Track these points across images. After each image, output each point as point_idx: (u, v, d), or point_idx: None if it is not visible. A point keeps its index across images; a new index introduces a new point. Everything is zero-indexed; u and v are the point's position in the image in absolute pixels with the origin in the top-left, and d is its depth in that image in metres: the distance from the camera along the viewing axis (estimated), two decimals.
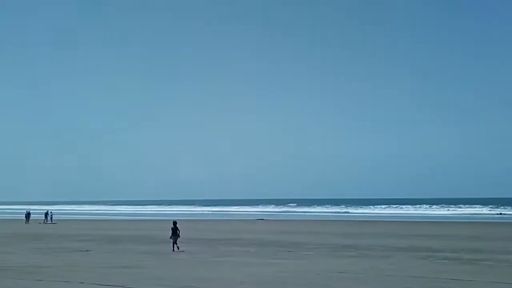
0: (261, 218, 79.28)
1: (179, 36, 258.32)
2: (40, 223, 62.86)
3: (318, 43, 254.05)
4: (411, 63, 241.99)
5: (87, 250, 28.16)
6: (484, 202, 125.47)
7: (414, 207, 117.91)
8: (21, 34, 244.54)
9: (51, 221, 65.06)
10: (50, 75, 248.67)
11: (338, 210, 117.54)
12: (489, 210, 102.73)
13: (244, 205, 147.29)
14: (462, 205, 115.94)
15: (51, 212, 68.52)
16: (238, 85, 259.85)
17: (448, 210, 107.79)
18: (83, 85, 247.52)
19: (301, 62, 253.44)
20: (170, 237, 27.50)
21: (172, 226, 27.64)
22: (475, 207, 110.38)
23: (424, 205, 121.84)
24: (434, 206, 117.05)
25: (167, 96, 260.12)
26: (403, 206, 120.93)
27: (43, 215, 67.05)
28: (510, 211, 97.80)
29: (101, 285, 15.89)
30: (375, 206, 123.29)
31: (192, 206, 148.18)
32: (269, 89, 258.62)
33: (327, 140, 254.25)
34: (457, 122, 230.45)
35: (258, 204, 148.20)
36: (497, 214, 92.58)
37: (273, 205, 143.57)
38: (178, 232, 27.48)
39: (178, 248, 26.99)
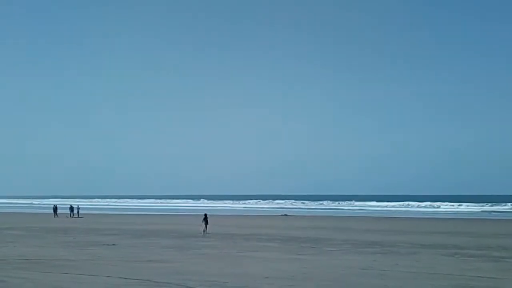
0: (285, 213, 79.29)
1: (182, 30, 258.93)
2: (67, 217, 63.90)
3: (330, 41, 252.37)
4: (417, 61, 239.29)
5: (113, 244, 28.51)
6: (495, 199, 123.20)
7: (421, 204, 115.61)
8: (27, 28, 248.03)
9: (78, 215, 66.09)
10: (53, 71, 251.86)
11: (354, 207, 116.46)
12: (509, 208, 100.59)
13: (234, 200, 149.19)
14: (475, 203, 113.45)
15: (77, 206, 69.54)
16: (240, 80, 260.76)
17: (468, 207, 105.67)
18: (91, 81, 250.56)
19: (311, 59, 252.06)
20: (202, 222, 37.99)
21: (204, 216, 38.40)
22: (498, 204, 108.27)
23: (435, 202, 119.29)
24: (443, 203, 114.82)
25: (178, 91, 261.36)
26: (413, 203, 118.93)
27: (68, 209, 68.10)
28: None
29: (127, 278, 16.08)
30: (378, 203, 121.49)
31: (216, 202, 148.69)
32: (273, 85, 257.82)
33: (333, 138, 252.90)
34: (466, 119, 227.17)
35: (245, 200, 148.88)
36: None
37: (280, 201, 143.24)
38: (207, 221, 38.04)
39: (205, 231, 36.79)
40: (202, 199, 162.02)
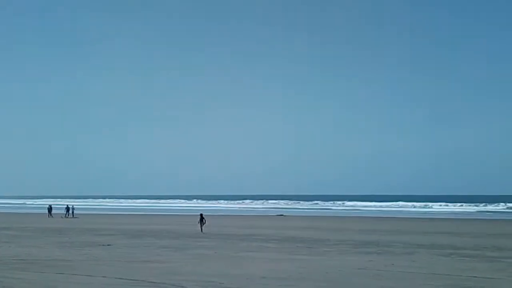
0: (281, 214, 79.30)
1: (185, 30, 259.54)
2: (62, 217, 63.72)
3: (328, 42, 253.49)
4: (415, 62, 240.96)
5: (108, 244, 28.43)
6: (494, 199, 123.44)
7: (416, 204, 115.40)
8: (22, 32, 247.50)
9: (73, 215, 65.95)
10: (52, 70, 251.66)
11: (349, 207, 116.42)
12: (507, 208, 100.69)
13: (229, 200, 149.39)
14: (470, 203, 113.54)
15: (72, 206, 69.42)
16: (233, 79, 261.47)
17: (461, 207, 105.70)
18: (87, 80, 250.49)
19: (310, 60, 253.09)
20: (198, 222, 39.70)
21: (200, 216, 40.17)
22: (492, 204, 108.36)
23: (429, 202, 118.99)
24: (437, 203, 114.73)
25: (177, 91, 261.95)
26: (405, 203, 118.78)
27: (64, 209, 68.04)
28: None
29: (123, 279, 16.04)
30: (370, 203, 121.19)
31: (209, 202, 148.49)
32: (271, 86, 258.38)
33: (331, 138, 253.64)
34: (460, 120, 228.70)
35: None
36: None
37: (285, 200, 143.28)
38: (204, 220, 39.64)
39: (202, 230, 38.24)
40: (194, 199, 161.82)
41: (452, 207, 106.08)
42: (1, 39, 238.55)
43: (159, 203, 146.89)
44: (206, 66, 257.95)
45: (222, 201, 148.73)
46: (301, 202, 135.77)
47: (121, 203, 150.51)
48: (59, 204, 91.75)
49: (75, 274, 16.93)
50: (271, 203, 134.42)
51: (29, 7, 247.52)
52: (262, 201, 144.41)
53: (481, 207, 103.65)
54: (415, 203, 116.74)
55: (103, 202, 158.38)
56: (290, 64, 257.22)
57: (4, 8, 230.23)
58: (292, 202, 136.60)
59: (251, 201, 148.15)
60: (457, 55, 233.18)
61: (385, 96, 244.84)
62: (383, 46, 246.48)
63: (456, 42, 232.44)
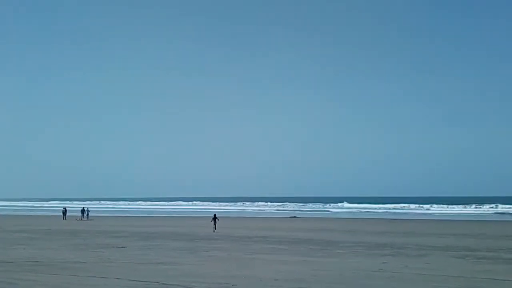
0: (294, 216, 79.20)
1: (184, 29, 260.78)
2: (76, 219, 64.06)
3: (330, 41, 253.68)
4: (416, 61, 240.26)
5: (122, 246, 28.54)
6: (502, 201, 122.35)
7: (425, 206, 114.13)
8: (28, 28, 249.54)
9: (87, 218, 66.30)
10: (55, 71, 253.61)
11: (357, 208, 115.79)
12: None
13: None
14: (477, 204, 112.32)
15: (87, 209, 69.81)
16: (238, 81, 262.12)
17: (475, 208, 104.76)
18: (90, 82, 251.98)
19: (313, 60, 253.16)
20: (211, 221, 42.74)
21: (213, 216, 43.38)
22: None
23: (440, 204, 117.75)
24: (443, 205, 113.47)
25: (178, 93, 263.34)
26: (412, 205, 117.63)
27: (80, 212, 68.48)
28: None
29: (137, 281, 16.08)
30: (376, 205, 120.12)
31: (207, 204, 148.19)
32: (272, 86, 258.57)
33: (333, 140, 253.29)
34: (467, 120, 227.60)
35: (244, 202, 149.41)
36: None
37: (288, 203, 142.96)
38: (217, 220, 42.47)
39: (214, 230, 40.97)
40: (197, 201, 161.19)
41: (463, 208, 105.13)
42: (1, 39, 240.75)
43: (165, 205, 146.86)
44: (209, 68, 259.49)
45: (222, 203, 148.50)
46: (307, 204, 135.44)
47: (126, 205, 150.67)
48: (67, 206, 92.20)
49: (90, 276, 17.00)
50: (270, 205, 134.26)
51: (32, 6, 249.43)
52: (262, 203, 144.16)
53: (490, 209, 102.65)
54: (422, 205, 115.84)
55: (108, 204, 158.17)
56: (291, 65, 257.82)
57: (5, 6, 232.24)
58: (300, 204, 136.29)
59: (250, 202, 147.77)
60: (460, 54, 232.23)
61: (387, 97, 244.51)
62: (385, 46, 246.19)
63: (459, 41, 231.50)
